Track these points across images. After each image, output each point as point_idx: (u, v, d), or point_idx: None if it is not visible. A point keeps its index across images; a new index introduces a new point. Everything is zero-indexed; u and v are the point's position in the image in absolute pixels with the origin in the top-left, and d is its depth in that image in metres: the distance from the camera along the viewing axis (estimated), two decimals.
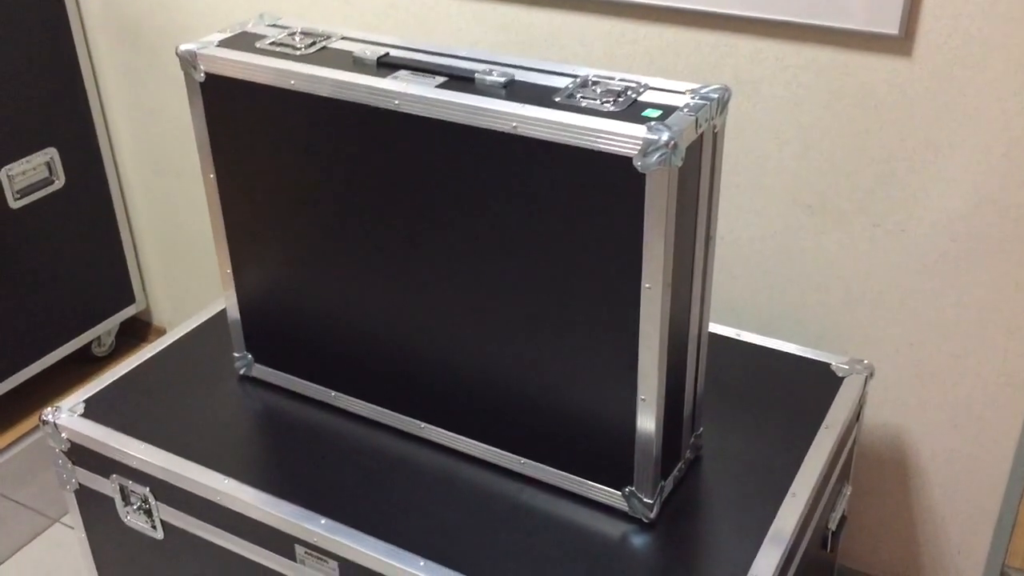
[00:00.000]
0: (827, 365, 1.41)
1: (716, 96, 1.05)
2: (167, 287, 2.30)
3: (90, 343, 2.27)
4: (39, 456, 2.05)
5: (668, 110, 1.02)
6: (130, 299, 2.28)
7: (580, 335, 1.11)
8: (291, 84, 1.16)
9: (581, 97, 1.06)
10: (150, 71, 2.00)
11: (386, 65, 1.16)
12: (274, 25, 1.30)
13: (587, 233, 1.05)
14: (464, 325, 1.19)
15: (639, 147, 0.97)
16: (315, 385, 1.38)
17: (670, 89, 1.07)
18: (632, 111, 1.02)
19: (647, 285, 1.03)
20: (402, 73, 1.14)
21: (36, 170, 2.01)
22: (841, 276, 1.46)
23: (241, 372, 1.44)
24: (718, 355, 1.42)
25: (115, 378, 1.44)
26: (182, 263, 2.23)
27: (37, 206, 2.02)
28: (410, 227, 1.17)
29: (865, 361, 1.40)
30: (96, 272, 2.19)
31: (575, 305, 1.09)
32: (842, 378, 1.39)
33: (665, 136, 0.96)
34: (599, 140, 0.99)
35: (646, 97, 1.05)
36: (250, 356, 1.42)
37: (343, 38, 1.25)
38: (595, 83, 1.09)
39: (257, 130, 1.23)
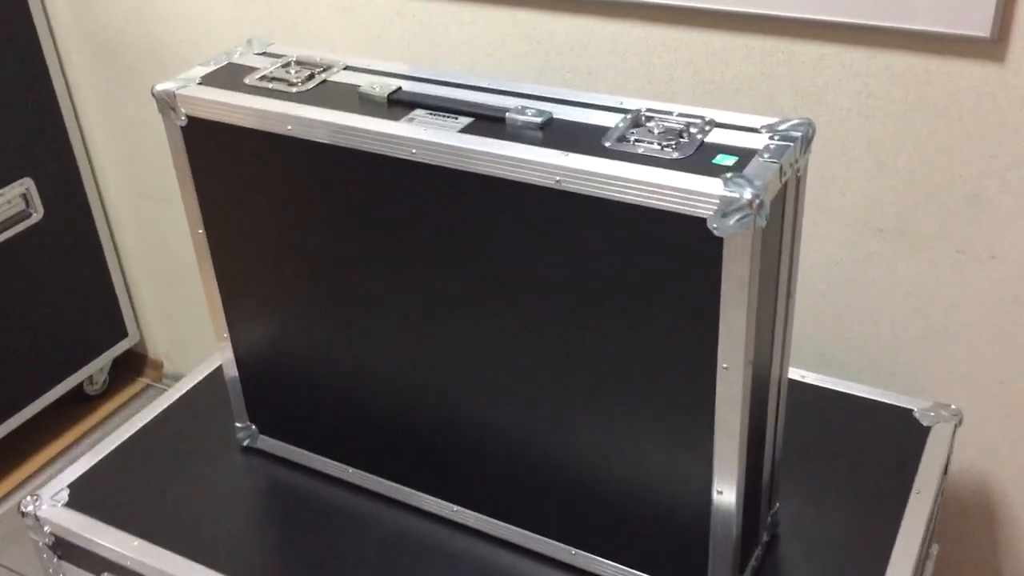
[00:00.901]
0: (909, 412, 1.24)
1: (799, 134, 0.87)
2: (162, 318, 2.13)
3: (82, 382, 2.10)
4: None
5: (744, 155, 0.84)
6: (122, 333, 2.11)
7: (642, 415, 0.94)
8: (288, 129, 0.99)
9: (636, 140, 0.88)
10: (130, 90, 1.82)
11: (399, 103, 0.98)
12: (265, 53, 1.12)
13: (649, 302, 0.88)
14: (502, 397, 1.02)
15: (716, 206, 0.80)
16: (330, 461, 1.21)
17: (741, 126, 0.89)
18: (700, 158, 0.85)
19: (724, 366, 0.86)
20: (418, 113, 0.96)
21: (11, 203, 1.83)
22: (920, 308, 1.29)
23: (245, 444, 1.27)
24: None
25: (102, 455, 1.27)
26: (176, 291, 2.06)
27: (14, 242, 1.85)
28: (434, 288, 0.99)
29: (953, 407, 1.23)
30: (84, 307, 2.02)
31: (636, 381, 0.92)
32: (928, 427, 1.22)
33: (747, 193, 0.79)
34: (665, 198, 0.82)
35: (714, 137, 0.88)
36: (254, 427, 1.25)
37: (346, 68, 1.07)
38: (649, 119, 0.92)
39: (250, 180, 1.05)
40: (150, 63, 1.75)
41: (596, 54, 1.34)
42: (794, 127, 0.88)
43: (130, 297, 2.11)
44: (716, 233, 0.81)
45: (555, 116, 0.93)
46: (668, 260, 0.85)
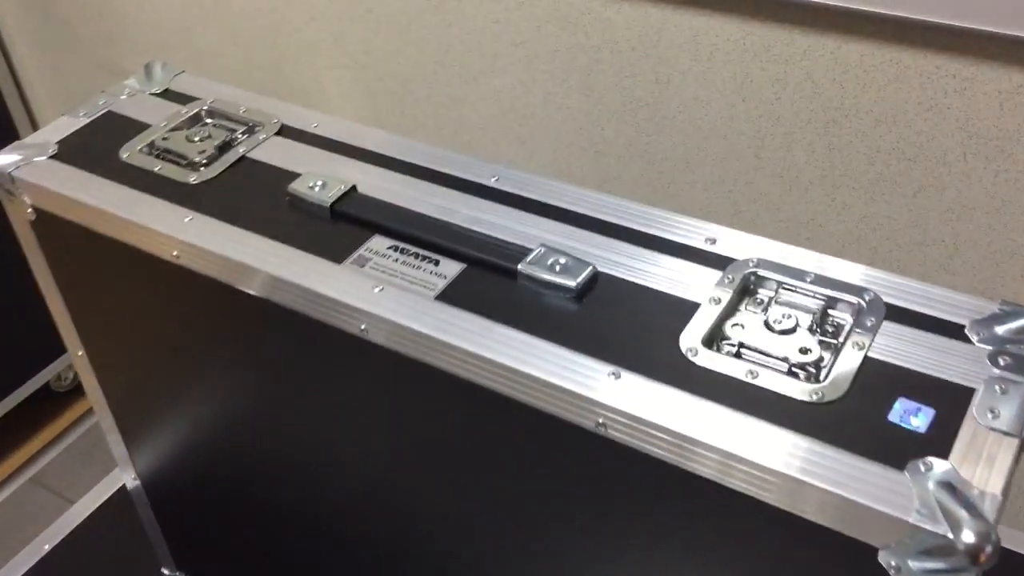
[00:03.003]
0: None
1: None
2: None
3: (48, 381, 1.80)
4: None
5: (946, 401, 0.46)
6: None
7: None
8: (174, 256, 0.62)
9: (743, 348, 0.50)
10: (67, 50, 1.44)
11: (348, 219, 0.61)
12: (166, 93, 0.74)
13: None
14: None
15: (899, 539, 0.42)
16: None
17: (934, 317, 0.50)
18: (865, 402, 0.46)
19: None
20: (376, 246, 0.58)
21: None
22: None
23: None
24: None
25: None
26: None
27: None
28: (403, 479, 0.64)
29: None
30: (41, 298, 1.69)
31: None
32: None
33: (968, 533, 0.41)
34: (799, 498, 0.44)
35: (886, 346, 0.49)
36: None
37: (281, 131, 0.69)
38: (762, 280, 0.53)
39: (135, 304, 0.69)
40: (86, 17, 1.37)
41: (669, 56, 0.93)
42: None
43: None
44: (891, 574, 0.44)
45: (601, 269, 0.55)
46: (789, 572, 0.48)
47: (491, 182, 0.62)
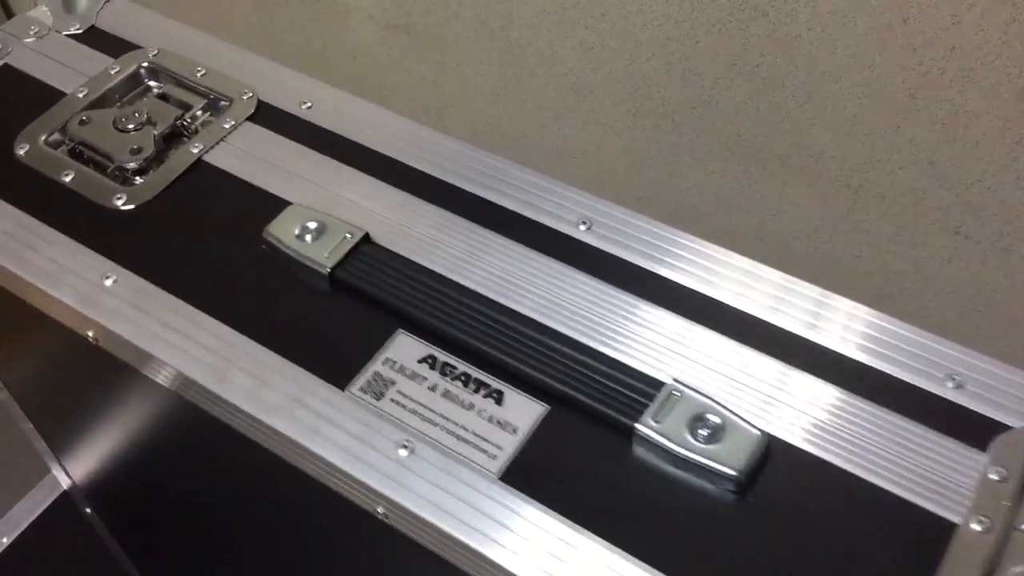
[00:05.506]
0: None
1: None
2: None
3: None
4: None
5: None
6: None
7: None
8: (91, 337, 0.40)
9: None
10: None
11: (354, 294, 0.38)
12: (89, 33, 0.50)
13: None
14: None
15: None
16: None
17: None
18: None
19: None
20: (400, 354, 0.36)
21: None
22: None
23: None
24: None
25: None
26: None
27: None
28: None
29: None
30: None
31: None
32: None
33: None
34: None
35: None
36: None
37: (255, 114, 0.45)
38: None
39: (51, 357, 0.48)
40: None
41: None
42: None
43: None
44: None
45: (775, 433, 0.33)
46: None
47: (579, 231, 0.39)
